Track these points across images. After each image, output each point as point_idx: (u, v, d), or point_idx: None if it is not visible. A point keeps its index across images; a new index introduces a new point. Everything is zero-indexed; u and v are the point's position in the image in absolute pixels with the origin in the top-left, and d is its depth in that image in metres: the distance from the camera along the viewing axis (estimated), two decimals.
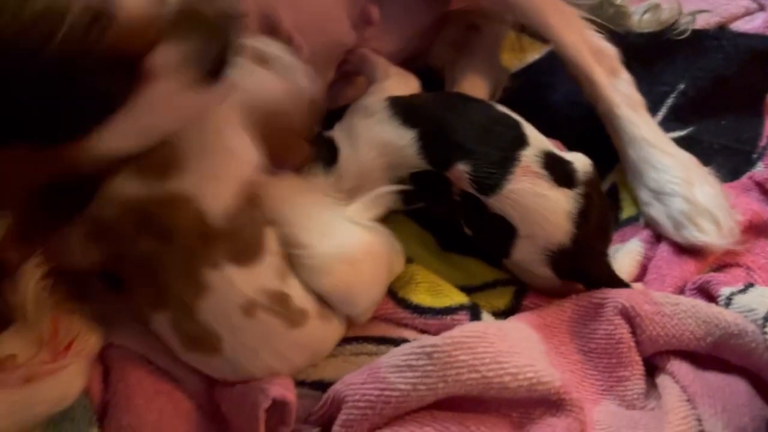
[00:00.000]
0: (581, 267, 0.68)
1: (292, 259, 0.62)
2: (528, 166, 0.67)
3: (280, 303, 0.59)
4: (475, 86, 0.91)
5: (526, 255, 0.68)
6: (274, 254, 0.61)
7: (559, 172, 0.68)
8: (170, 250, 0.57)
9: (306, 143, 0.68)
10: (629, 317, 0.64)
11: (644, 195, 0.80)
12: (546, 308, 0.68)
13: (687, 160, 0.81)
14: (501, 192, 0.66)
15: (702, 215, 0.74)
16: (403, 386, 0.56)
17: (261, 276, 0.59)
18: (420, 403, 0.57)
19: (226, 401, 0.60)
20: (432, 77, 0.92)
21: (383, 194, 0.70)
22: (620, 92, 0.85)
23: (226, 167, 0.59)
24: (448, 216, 0.73)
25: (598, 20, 0.92)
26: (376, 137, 0.72)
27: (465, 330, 0.61)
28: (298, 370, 0.62)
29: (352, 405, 0.57)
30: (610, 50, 0.87)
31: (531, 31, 1.00)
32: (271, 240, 0.61)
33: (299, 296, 0.61)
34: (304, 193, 0.67)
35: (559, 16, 0.86)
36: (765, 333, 0.60)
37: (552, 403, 0.58)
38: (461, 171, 0.67)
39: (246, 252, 0.59)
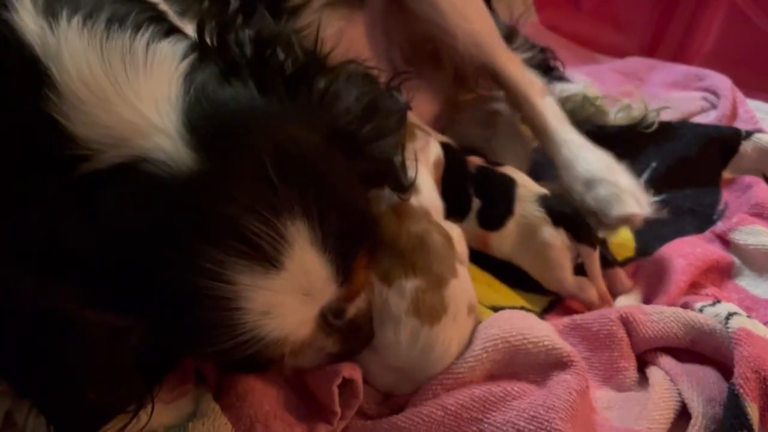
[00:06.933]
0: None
1: None
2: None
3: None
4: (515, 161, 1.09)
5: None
6: None
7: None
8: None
9: None
10: (626, 322, 0.81)
11: (577, 186, 1.00)
12: (561, 318, 0.85)
13: (607, 156, 1.02)
14: None
15: (624, 193, 0.95)
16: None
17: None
18: (472, 376, 0.73)
19: (310, 378, 0.74)
20: None
21: None
22: (549, 107, 1.08)
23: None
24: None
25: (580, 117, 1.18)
26: None
27: (496, 315, 0.80)
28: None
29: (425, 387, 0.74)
30: (539, 81, 1.14)
31: None
32: None
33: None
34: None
35: (506, 56, 1.10)
36: (727, 328, 0.78)
37: (563, 365, 0.74)
38: None
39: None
